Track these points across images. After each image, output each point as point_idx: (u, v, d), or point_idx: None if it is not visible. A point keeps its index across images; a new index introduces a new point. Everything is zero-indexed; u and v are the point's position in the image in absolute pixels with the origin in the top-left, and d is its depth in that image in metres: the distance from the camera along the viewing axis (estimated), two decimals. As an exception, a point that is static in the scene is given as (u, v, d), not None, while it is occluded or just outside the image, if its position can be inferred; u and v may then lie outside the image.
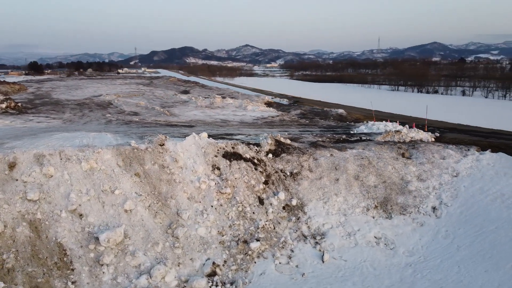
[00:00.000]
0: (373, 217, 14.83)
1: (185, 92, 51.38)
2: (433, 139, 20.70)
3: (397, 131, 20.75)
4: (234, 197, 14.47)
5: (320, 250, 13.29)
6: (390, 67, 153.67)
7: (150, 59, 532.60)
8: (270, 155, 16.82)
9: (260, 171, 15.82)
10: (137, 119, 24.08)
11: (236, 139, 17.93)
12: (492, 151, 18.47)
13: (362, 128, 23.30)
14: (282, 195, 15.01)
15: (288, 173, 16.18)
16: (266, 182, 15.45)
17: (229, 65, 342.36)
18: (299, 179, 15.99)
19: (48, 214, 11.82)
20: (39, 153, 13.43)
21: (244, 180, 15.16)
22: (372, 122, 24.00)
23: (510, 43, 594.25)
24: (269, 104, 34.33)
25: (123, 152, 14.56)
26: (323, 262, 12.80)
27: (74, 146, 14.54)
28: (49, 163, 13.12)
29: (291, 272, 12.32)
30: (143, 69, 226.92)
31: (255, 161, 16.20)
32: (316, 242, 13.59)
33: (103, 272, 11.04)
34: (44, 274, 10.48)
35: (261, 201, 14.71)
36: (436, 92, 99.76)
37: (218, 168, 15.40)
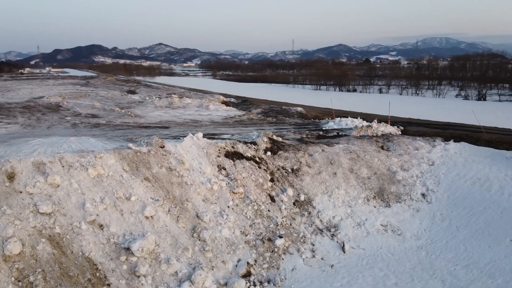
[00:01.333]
0: (375, 207, 15.74)
1: (132, 92, 48.74)
2: (399, 133, 22.44)
3: (369, 126, 22.12)
4: (247, 197, 14.34)
5: (338, 241, 13.77)
6: (306, 68, 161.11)
7: (54, 58, 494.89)
8: (269, 153, 16.92)
9: (264, 169, 15.85)
10: (104, 122, 22.34)
11: (227, 139, 17.70)
12: (454, 141, 20.57)
13: (331, 124, 24.37)
14: (290, 192, 15.22)
15: (290, 170, 16.44)
16: (272, 180, 15.54)
17: (144, 64, 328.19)
18: (300, 175, 16.33)
19: (67, 228, 10.67)
20: (38, 161, 12.04)
21: (252, 179, 15.08)
22: (339, 118, 25.23)
23: (406, 44, 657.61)
24: (226, 104, 34.18)
25: (126, 156, 13.63)
26: (344, 252, 13.30)
27: (69, 151, 13.25)
28: (52, 172, 11.83)
29: (319, 265, 12.61)
30: (47, 68, 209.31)
31: (257, 159, 16.19)
32: (332, 234, 14.06)
33: (142, 284, 10.29)
34: (80, 293, 9.49)
35: (272, 199, 14.77)
36: (355, 90, 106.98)
37: (224, 168, 15.12)
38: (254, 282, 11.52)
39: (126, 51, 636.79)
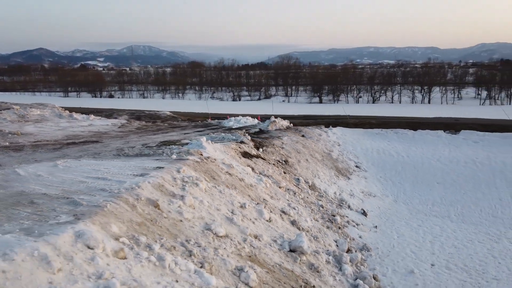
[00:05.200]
0: (344, 180, 19.37)
1: None
2: (292, 125, 26.65)
3: (274, 121, 25.24)
4: (287, 189, 15.14)
5: (356, 210, 16.68)
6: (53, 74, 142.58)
7: None
8: (261, 150, 17.69)
9: (273, 164, 16.72)
10: (28, 143, 15.27)
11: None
12: (333, 127, 26.60)
13: (232, 123, 25.91)
14: (301, 179, 16.84)
15: (283, 162, 17.83)
16: (284, 172, 16.66)
17: None
18: (291, 165, 18.03)
19: (246, 245, 9.32)
20: (158, 184, 9.49)
21: (276, 173, 15.83)
22: (239, 117, 26.91)
23: (112, 51, 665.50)
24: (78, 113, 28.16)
25: (197, 168, 12.06)
26: (366, 216, 16.40)
27: (146, 176, 10.68)
28: (177, 194, 9.64)
29: (368, 228, 15.27)
30: None
31: (261, 156, 16.81)
32: (348, 206, 16.82)
33: (323, 274, 10.36)
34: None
35: (298, 187, 16.05)
36: (111, 96, 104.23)
37: (252, 168, 15.21)
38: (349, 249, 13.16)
39: None
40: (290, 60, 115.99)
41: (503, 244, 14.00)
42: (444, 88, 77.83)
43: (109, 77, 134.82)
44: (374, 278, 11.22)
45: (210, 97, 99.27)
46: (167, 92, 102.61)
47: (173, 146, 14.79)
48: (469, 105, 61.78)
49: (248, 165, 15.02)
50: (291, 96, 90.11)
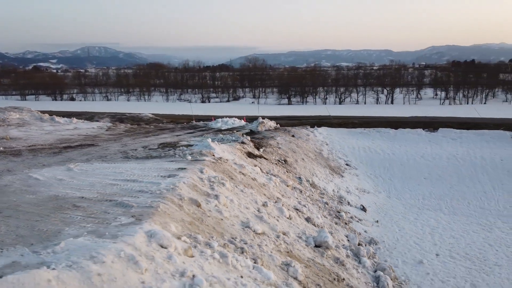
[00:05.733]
0: (339, 179, 19.97)
1: None
2: (279, 125, 27.04)
3: (262, 122, 25.51)
4: (294, 187, 15.48)
5: (356, 206, 17.27)
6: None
7: None
8: (261, 150, 17.92)
9: (275, 163, 17.00)
10: (23, 147, 14.28)
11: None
12: (318, 126, 27.27)
13: (220, 125, 25.92)
14: (302, 178, 17.23)
15: (283, 161, 18.14)
16: (287, 171, 16.98)
17: None
18: (290, 164, 18.38)
19: (289, 243, 9.55)
20: (192, 184, 9.52)
21: (281, 173, 16.13)
22: (226, 119, 26.89)
23: (65, 52, 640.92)
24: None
25: (216, 168, 12.14)
26: (365, 212, 17.03)
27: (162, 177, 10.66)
28: (211, 194, 9.73)
29: (370, 223, 15.88)
30: None
31: (264, 156, 17.05)
32: (348, 203, 17.38)
33: (347, 267, 10.77)
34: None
35: (300, 185, 16.42)
36: (73, 99, 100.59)
37: (260, 167, 15.41)
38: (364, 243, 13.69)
39: None
40: (257, 62, 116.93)
41: (496, 233, 15.04)
42: (406, 89, 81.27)
43: (66, 79, 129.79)
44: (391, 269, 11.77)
45: (178, 99, 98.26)
46: (131, 94, 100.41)
47: (183, 147, 14.73)
48: (431, 105, 64.98)
49: (255, 165, 15.22)
50: (259, 98, 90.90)
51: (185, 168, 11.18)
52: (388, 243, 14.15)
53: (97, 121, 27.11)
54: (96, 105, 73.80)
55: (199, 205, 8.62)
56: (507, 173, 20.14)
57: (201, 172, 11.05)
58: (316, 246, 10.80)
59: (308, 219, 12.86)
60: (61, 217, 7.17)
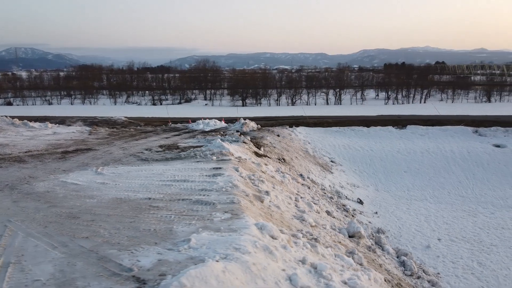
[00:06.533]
0: (330, 175, 20.91)
1: None
2: (259, 126, 27.51)
3: (245, 122, 25.85)
4: (303, 184, 16.10)
5: (353, 200, 18.26)
6: None
7: None
8: (262, 149, 18.33)
9: (278, 162, 17.51)
10: (20, 153, 12.94)
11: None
12: (295, 126, 28.17)
13: (201, 126, 25.81)
14: (304, 175, 17.91)
15: (282, 159, 18.69)
16: (289, 169, 17.57)
17: None
18: (288, 162, 18.98)
19: (334, 234, 10.12)
20: (244, 181, 9.78)
21: (287, 170, 16.68)
22: (207, 121, 26.75)
23: None
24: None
25: (244, 167, 12.45)
26: (362, 204, 18.08)
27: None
28: (262, 190, 10.07)
29: (372, 215, 16.92)
30: None
31: (268, 155, 17.50)
32: (345, 197, 18.34)
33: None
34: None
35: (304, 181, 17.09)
36: (10, 103, 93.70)
37: (271, 166, 15.86)
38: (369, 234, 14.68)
39: None
40: (207, 64, 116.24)
41: (481, 218, 16.76)
42: (354, 91, 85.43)
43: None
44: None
45: (125, 102, 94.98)
46: (75, 98, 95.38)
47: (194, 149, 14.77)
48: (376, 105, 68.86)
49: (265, 164, 15.65)
50: (211, 99, 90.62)
51: (220, 168, 11.38)
52: (393, 232, 15.24)
53: (70, 125, 25.85)
54: (44, 109, 69.32)
55: (262, 201, 8.95)
56: (476, 164, 22.35)
57: (237, 170, 11.32)
58: (350, 236, 11.51)
59: (328, 213, 13.55)
60: (155, 216, 7.18)
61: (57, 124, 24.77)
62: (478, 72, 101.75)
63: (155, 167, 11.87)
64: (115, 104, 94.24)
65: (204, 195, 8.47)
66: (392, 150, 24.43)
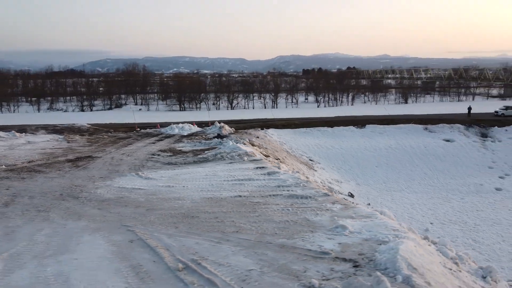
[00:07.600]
0: (315, 172, 22.16)
1: None
2: (234, 130, 27.91)
3: (223, 126, 26.11)
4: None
5: (345, 194, 19.67)
6: None
7: None
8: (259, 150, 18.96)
9: (278, 161, 18.29)
10: (27, 164, 11.31)
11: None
12: (267, 128, 29.14)
13: (176, 130, 25.48)
14: (300, 173, 18.89)
15: (277, 159, 19.47)
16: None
17: None
18: (282, 161, 19.81)
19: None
20: (303, 175, 10.47)
21: (289, 168, 17.54)
22: (181, 125, 26.31)
23: None
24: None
25: (275, 165, 13.11)
26: (353, 197, 19.58)
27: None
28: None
29: (367, 207, 18.44)
30: None
31: (269, 156, 18.20)
32: (338, 191, 19.68)
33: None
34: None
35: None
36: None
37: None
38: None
39: None
40: (136, 68, 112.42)
41: (455, 203, 19.19)
42: (287, 95, 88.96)
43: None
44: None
45: (47, 108, 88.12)
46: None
47: (218, 150, 15.03)
48: (309, 108, 72.69)
49: (281, 163, 16.37)
50: (142, 104, 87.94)
51: (264, 167, 11.92)
52: (391, 219, 16.86)
53: (34, 133, 23.90)
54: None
55: (332, 194, 9.73)
56: (434, 157, 25.23)
57: (279, 168, 11.96)
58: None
59: (344, 205, 14.66)
60: (269, 210, 7.61)
61: (24, 133, 22.84)
62: (390, 76, 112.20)
63: (195, 169, 12.02)
64: (38, 112, 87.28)
65: (288, 190, 9.04)
66: (359, 148, 26.50)
